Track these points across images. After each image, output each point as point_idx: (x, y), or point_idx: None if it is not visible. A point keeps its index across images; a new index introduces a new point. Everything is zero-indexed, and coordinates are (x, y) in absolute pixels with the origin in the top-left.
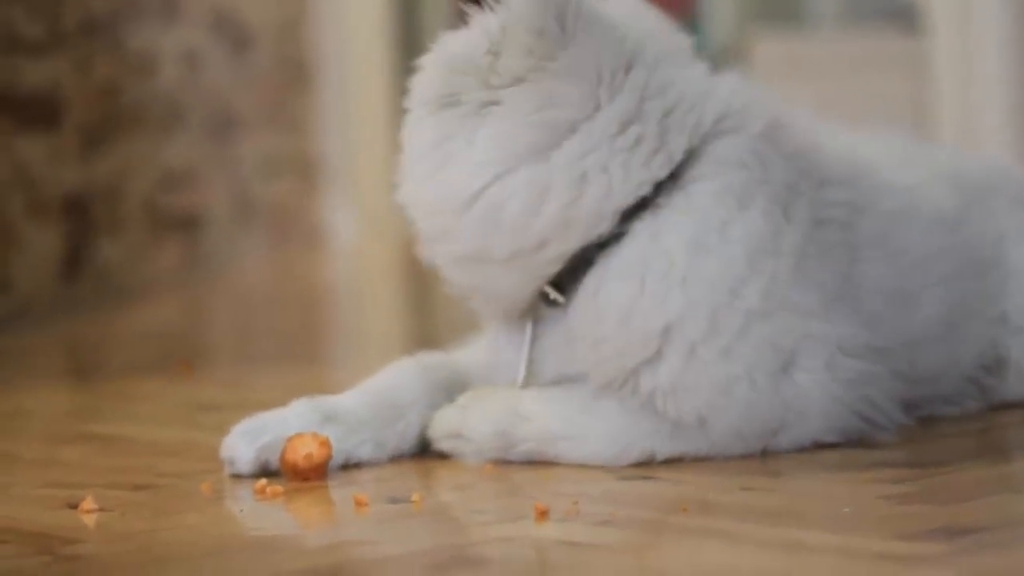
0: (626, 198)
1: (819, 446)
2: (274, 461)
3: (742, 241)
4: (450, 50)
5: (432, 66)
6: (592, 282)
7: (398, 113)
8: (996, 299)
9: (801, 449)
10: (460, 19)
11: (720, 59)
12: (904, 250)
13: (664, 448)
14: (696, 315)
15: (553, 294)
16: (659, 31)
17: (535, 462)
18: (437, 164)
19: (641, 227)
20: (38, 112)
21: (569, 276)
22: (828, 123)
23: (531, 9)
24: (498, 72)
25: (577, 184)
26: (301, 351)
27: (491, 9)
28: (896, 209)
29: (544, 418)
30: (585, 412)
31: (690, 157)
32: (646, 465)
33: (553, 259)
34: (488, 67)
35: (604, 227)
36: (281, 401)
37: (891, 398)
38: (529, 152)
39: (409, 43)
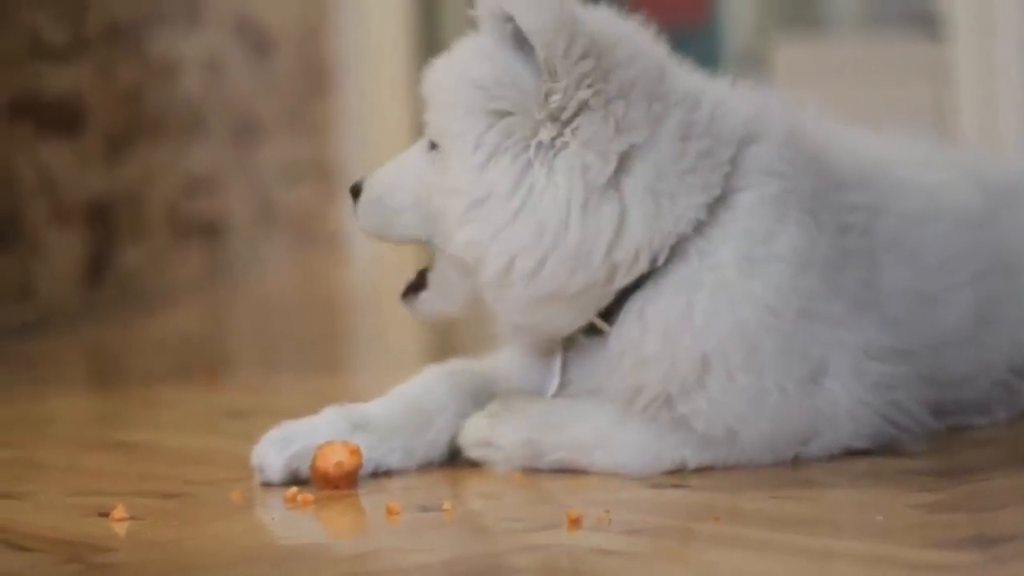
0: (689, 223)
1: (849, 454)
2: (304, 469)
3: (785, 257)
4: (475, 76)
5: (464, 93)
6: (638, 302)
7: (418, 118)
8: (1023, 303)
9: (832, 457)
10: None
11: (740, 64)
12: (925, 251)
13: (695, 457)
14: (739, 340)
15: (600, 324)
16: (648, 38)
17: (565, 470)
18: (519, 205)
19: (690, 245)
20: (61, 118)
21: (615, 301)
22: (841, 124)
23: (568, 36)
24: (559, 104)
25: (652, 216)
26: (323, 357)
27: (499, 30)
28: (916, 209)
29: (575, 427)
30: (616, 422)
31: (732, 167)
32: (677, 473)
33: (614, 290)
34: (544, 99)
35: (666, 253)
36: (305, 408)
37: (919, 402)
38: (607, 183)
39: (429, 49)
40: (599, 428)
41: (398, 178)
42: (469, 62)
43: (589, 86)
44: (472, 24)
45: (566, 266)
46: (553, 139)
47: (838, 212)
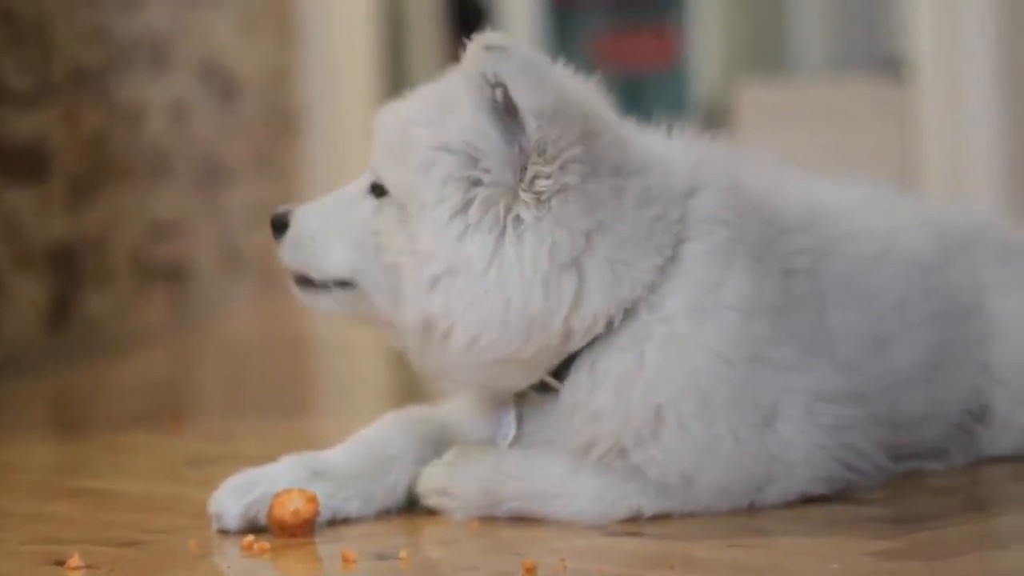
0: (644, 286)
1: (805, 502)
2: (262, 517)
3: (734, 305)
4: (455, 142)
5: (442, 158)
6: (588, 359)
7: None
8: (979, 348)
9: (788, 504)
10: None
11: (706, 109)
12: (876, 294)
13: (651, 505)
14: (691, 390)
15: (551, 381)
16: (601, 99)
17: (522, 519)
18: (491, 281)
19: (640, 302)
20: (26, 163)
21: (566, 359)
22: (793, 170)
23: (564, 122)
24: (544, 186)
25: (611, 285)
26: (289, 401)
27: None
28: (866, 253)
29: (531, 477)
30: (571, 471)
31: (680, 224)
32: (633, 521)
33: (566, 351)
34: (530, 179)
35: (620, 315)
36: (270, 454)
37: (875, 444)
38: (571, 260)
39: (395, 93)
40: (555, 477)
41: (335, 219)
42: (447, 123)
43: (575, 171)
44: (438, 72)
45: (523, 335)
46: (527, 209)
47: (783, 257)
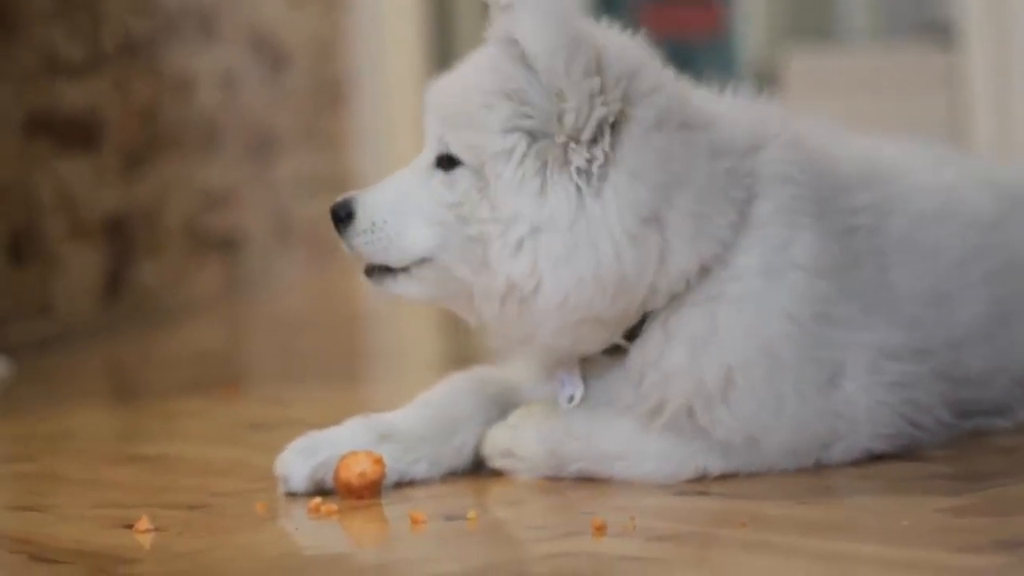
0: (720, 241)
1: (871, 460)
2: (329, 479)
3: (802, 264)
4: (504, 89)
5: (498, 107)
6: (661, 318)
7: None
8: None
9: (854, 463)
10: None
11: (753, 77)
12: (936, 250)
13: (717, 465)
14: (762, 352)
15: (622, 342)
16: (657, 58)
17: (588, 479)
18: (578, 237)
19: (712, 259)
20: (78, 134)
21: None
22: (848, 131)
23: (566, 56)
24: (574, 124)
25: (694, 240)
26: (342, 369)
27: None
28: (927, 209)
29: (596, 438)
30: (638, 431)
31: (751, 178)
32: (700, 481)
33: (646, 309)
34: (558, 120)
35: (697, 271)
36: (327, 419)
37: (939, 401)
38: (652, 214)
39: (444, 62)
40: (620, 438)
41: (405, 199)
42: (495, 74)
43: (603, 103)
44: (485, 38)
45: (612, 294)
46: (588, 163)
47: (845, 214)
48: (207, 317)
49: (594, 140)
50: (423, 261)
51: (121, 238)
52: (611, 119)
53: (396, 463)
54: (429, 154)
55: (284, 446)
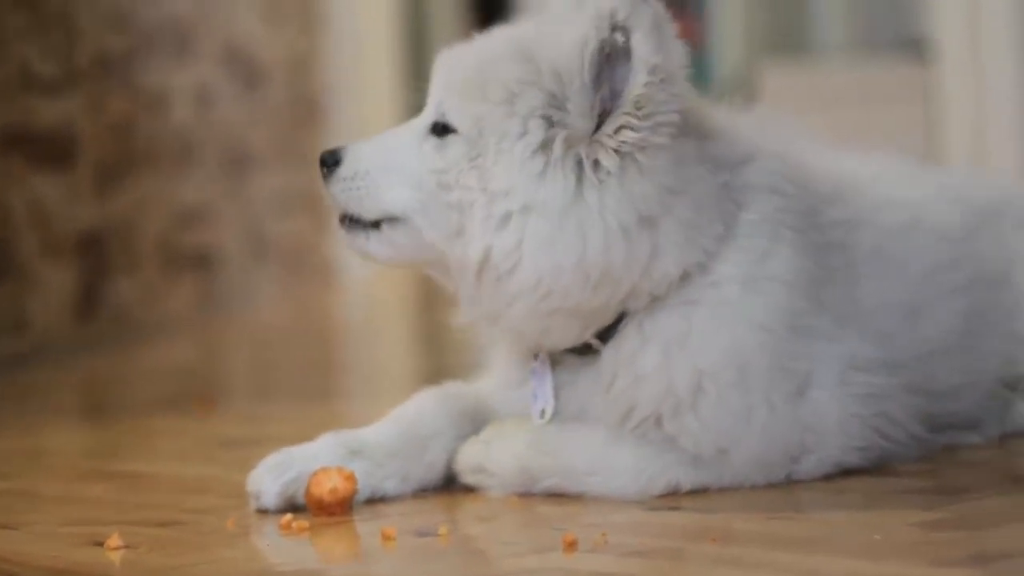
0: (704, 251)
1: (844, 474)
2: (300, 496)
3: (780, 277)
4: (544, 81)
5: (528, 94)
6: (637, 317)
7: None
8: (1009, 317)
9: (826, 478)
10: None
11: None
12: (906, 263)
13: (688, 479)
14: (732, 359)
15: (595, 342)
16: None
17: (560, 494)
18: (569, 223)
19: (693, 265)
20: (52, 150)
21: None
22: (820, 144)
23: (672, 78)
24: (631, 139)
25: (682, 247)
26: (317, 386)
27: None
28: (896, 223)
29: (567, 454)
30: (608, 446)
31: (740, 191)
32: (672, 496)
33: (623, 309)
34: (616, 130)
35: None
36: (300, 436)
37: (909, 413)
38: (650, 215)
39: (418, 79)
40: (592, 453)
41: (392, 155)
42: (537, 59)
43: (664, 134)
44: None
45: (593, 285)
46: (605, 155)
47: (822, 229)
48: (182, 334)
49: (617, 133)
50: (395, 220)
51: (96, 255)
52: (654, 140)
53: (367, 479)
54: (427, 119)
55: (257, 463)
